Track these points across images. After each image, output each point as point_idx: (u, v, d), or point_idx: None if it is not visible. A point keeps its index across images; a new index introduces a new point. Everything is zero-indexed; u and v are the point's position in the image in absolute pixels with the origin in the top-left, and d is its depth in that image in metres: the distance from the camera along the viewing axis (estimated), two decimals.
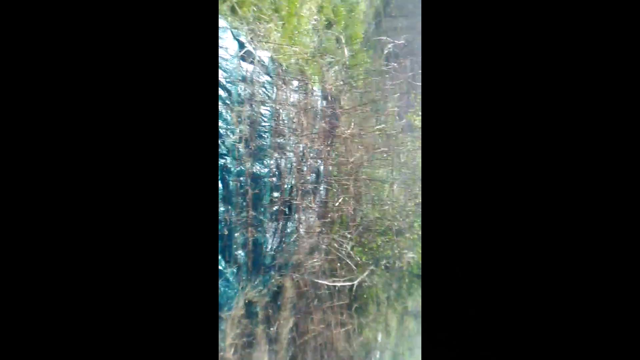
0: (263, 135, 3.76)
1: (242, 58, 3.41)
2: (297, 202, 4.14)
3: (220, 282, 3.29)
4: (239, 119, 3.37)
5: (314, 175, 4.52)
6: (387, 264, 5.24)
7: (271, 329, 4.09)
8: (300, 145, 4.19)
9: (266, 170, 3.79)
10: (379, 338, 6.37)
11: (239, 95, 3.39)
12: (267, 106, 3.78)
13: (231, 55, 3.27)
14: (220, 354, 3.31)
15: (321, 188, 4.66)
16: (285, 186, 4.04)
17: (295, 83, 4.14)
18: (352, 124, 4.46)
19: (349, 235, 4.80)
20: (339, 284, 4.50)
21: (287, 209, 4.12)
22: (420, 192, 5.42)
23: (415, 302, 6.43)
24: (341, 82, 4.38)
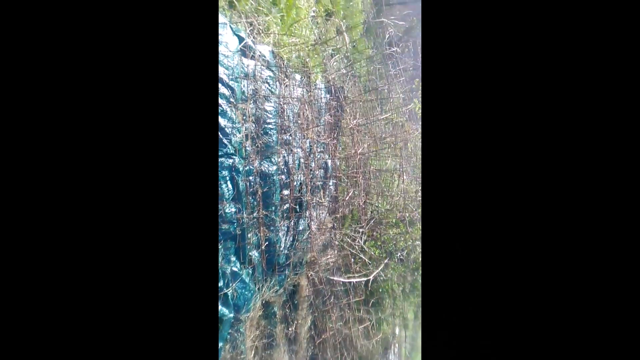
0: (269, 132, 3.68)
1: (243, 53, 3.32)
2: (307, 198, 4.06)
3: (236, 284, 3.21)
4: (244, 117, 3.29)
5: (322, 170, 4.44)
6: (401, 257, 5.16)
7: (290, 329, 4.03)
8: (307, 140, 4.10)
9: (274, 168, 3.70)
10: (397, 331, 6.30)
11: (243, 92, 3.31)
12: (271, 102, 3.70)
13: (231, 52, 3.18)
14: (242, 356, 3.24)
15: (330, 183, 4.57)
16: (295, 183, 3.96)
17: (298, 77, 4.05)
18: (358, 114, 4.37)
19: (361, 230, 4.72)
20: (354, 280, 4.43)
21: (297, 206, 4.05)
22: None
23: None
24: (343, 71, 4.28)
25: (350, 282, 4.52)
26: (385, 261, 4.74)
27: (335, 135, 4.42)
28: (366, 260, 4.60)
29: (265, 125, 3.64)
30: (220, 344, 3.03)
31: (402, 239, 5.03)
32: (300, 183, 4.05)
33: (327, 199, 4.50)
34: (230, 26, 3.19)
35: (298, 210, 4.04)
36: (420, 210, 5.12)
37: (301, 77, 4.08)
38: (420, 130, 5.15)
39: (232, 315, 3.15)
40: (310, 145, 4.15)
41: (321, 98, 4.28)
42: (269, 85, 3.69)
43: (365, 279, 4.35)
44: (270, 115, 3.69)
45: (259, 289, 3.51)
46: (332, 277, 4.32)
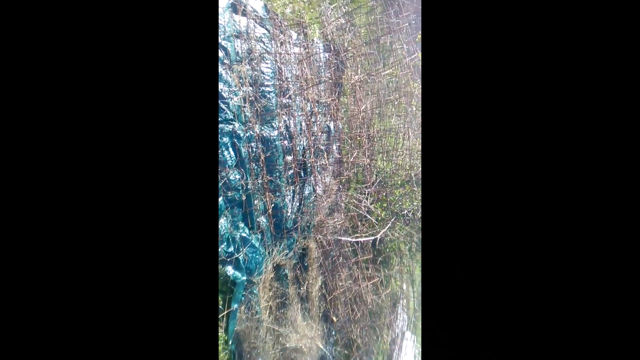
0: (267, 95, 3.54)
1: (234, 8, 3.10)
2: (310, 162, 4.00)
3: (247, 248, 3.27)
4: (241, 80, 3.14)
5: (325, 134, 4.33)
6: (407, 216, 5.19)
7: (301, 288, 4.17)
8: (308, 103, 3.95)
9: (276, 132, 3.61)
10: (405, 287, 6.52)
11: (237, 52, 3.13)
12: (268, 62, 3.51)
13: (222, 8, 2.96)
14: (257, 316, 3.38)
15: (334, 146, 4.49)
16: (297, 148, 3.88)
17: (295, 35, 3.81)
18: (359, 70, 4.16)
19: (366, 191, 4.70)
20: (361, 240, 4.49)
21: (302, 171, 4.00)
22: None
23: None
24: (342, 21, 4.00)
25: (358, 243, 4.60)
26: (392, 220, 4.77)
27: (336, 95, 4.25)
28: (373, 220, 4.63)
29: (263, 88, 3.49)
30: (235, 306, 3.15)
31: (408, 199, 5.02)
32: (304, 147, 3.98)
33: (331, 161, 4.44)
34: None
35: (303, 175, 4.00)
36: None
37: (297, 34, 3.84)
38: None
39: (245, 278, 3.24)
40: (312, 108, 4.01)
41: (319, 55, 4.06)
42: (264, 44, 3.49)
43: (372, 238, 4.41)
44: (268, 77, 3.53)
45: (269, 252, 3.57)
46: (340, 238, 4.39)
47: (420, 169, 4.81)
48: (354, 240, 4.45)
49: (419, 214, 5.14)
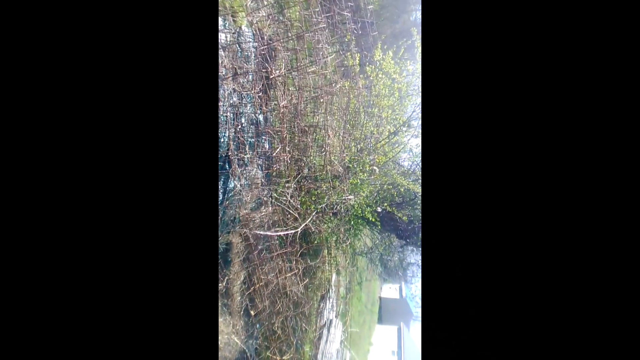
0: None
1: None
2: (234, 155, 3.89)
3: None
4: None
5: (252, 126, 4.24)
6: (332, 210, 5.42)
7: (220, 284, 4.05)
8: (232, 94, 3.82)
9: None
10: (333, 278, 6.80)
11: None
12: None
13: None
14: None
15: (260, 140, 4.43)
16: (222, 140, 3.73)
17: (220, 21, 3.63)
18: (283, 65, 4.17)
19: (292, 186, 4.76)
20: (282, 233, 4.55)
21: (226, 164, 3.87)
22: (360, 137, 5.53)
23: (360, 242, 6.93)
24: (263, 14, 3.95)
25: (285, 236, 4.64)
26: (313, 214, 4.93)
27: (262, 87, 4.19)
28: (295, 215, 4.72)
29: None
30: None
31: (335, 193, 5.22)
32: (228, 139, 3.84)
33: (257, 154, 4.38)
34: None
35: (227, 168, 3.87)
36: (347, 164, 5.34)
37: (224, 21, 3.67)
38: (346, 85, 5.17)
39: None
40: (239, 98, 3.88)
41: (247, 45, 3.95)
42: None
43: (292, 231, 4.50)
44: None
45: None
46: (261, 233, 4.37)
47: (341, 164, 5.07)
48: (274, 234, 4.48)
49: (344, 207, 5.42)
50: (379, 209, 5.89)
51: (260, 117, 4.34)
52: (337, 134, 5.15)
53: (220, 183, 3.86)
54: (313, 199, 5.16)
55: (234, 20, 3.75)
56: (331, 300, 6.86)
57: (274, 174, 4.73)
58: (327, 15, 3.94)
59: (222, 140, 3.76)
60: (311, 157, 5.07)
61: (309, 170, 5.14)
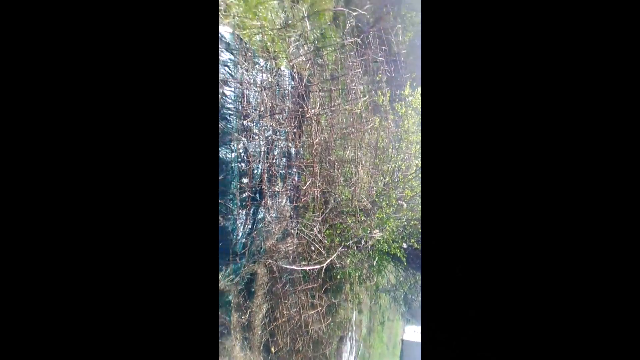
0: (227, 117, 3.53)
1: None
2: (267, 187, 4.01)
3: None
4: None
5: (284, 159, 4.39)
6: (358, 245, 5.33)
7: (243, 317, 4.01)
8: (269, 128, 4.01)
9: (233, 155, 3.58)
10: (354, 316, 6.54)
11: None
12: (231, 86, 3.54)
13: None
14: None
15: (291, 172, 4.55)
16: (254, 171, 3.88)
17: (262, 62, 3.91)
18: (318, 103, 4.35)
19: (318, 219, 4.77)
20: (307, 268, 4.50)
21: (257, 195, 3.98)
22: (389, 173, 5.52)
23: (384, 280, 6.70)
24: (303, 59, 4.19)
25: (308, 271, 4.59)
26: (340, 249, 4.86)
27: (296, 124, 4.37)
28: (320, 249, 4.68)
29: (224, 110, 3.49)
30: None
31: (361, 227, 5.16)
32: (261, 171, 3.98)
33: (287, 187, 4.48)
34: None
35: (258, 198, 3.98)
36: (376, 200, 5.30)
37: (265, 62, 3.95)
38: (378, 121, 5.27)
39: None
40: (274, 133, 4.06)
41: (285, 84, 4.19)
42: (229, 69, 3.52)
43: (318, 266, 4.44)
44: (230, 100, 3.54)
45: None
46: (287, 267, 4.35)
47: (369, 201, 5.04)
48: (299, 268, 4.44)
49: (371, 243, 5.32)
50: (405, 245, 5.72)
51: (293, 150, 4.48)
52: (366, 169, 5.18)
53: (251, 212, 3.95)
54: (338, 231, 5.12)
55: (272, 62, 4.01)
56: (351, 340, 6.55)
57: (302, 205, 4.78)
58: (362, 59, 4.13)
59: (255, 171, 3.90)
60: (339, 191, 5.10)
61: (335, 202, 5.14)
